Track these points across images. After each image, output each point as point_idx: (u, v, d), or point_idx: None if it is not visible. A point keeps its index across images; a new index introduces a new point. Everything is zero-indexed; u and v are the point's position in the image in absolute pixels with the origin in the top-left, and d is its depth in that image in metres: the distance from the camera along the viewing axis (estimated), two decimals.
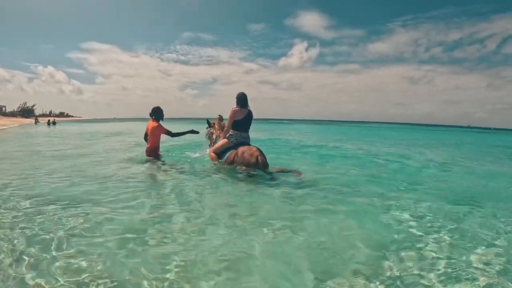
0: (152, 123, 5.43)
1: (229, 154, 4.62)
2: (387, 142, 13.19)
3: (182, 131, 5.69)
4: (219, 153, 4.83)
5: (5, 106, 68.73)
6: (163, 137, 5.55)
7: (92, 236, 2.17)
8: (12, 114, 63.49)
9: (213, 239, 2.18)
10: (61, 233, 2.21)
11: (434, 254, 2.04)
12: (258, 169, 4.20)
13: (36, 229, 2.28)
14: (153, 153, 5.53)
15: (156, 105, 5.51)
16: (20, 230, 2.24)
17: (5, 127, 25.80)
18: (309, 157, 7.05)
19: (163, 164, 5.17)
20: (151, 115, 5.50)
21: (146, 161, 5.39)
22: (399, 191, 3.80)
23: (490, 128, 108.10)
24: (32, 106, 72.90)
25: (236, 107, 4.70)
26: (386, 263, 1.91)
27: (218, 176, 4.24)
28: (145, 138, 5.66)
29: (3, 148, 8.38)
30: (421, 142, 14.38)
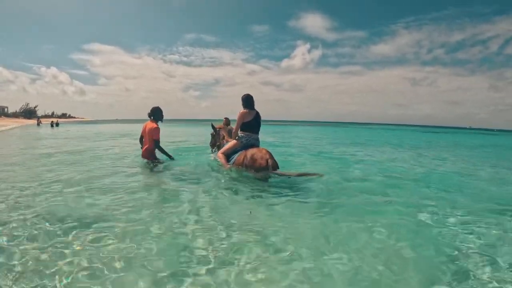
0: (150, 124, 5.11)
1: (238, 156, 4.53)
2: (404, 146, 12.52)
3: (166, 151, 5.32)
4: (228, 155, 4.76)
5: (7, 107, 69.07)
6: (161, 139, 5.21)
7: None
8: (14, 115, 63.73)
9: (247, 265, 1.88)
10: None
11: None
12: (268, 172, 4.07)
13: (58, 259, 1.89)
14: (151, 155, 5.17)
15: (155, 105, 5.22)
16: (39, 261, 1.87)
17: (4, 128, 25.68)
18: (333, 163, 6.52)
19: (169, 170, 4.83)
20: (149, 115, 5.21)
21: (149, 166, 4.99)
22: (445, 200, 3.47)
23: (493, 130, 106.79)
24: (35, 107, 73.19)
25: (244, 109, 4.66)
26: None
27: (234, 184, 3.96)
28: (141, 140, 5.33)
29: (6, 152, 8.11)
30: (439, 145, 13.96)
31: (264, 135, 17.39)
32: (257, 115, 4.72)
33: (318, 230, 2.44)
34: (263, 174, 4.09)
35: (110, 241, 2.14)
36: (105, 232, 2.29)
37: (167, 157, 5.36)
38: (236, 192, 3.59)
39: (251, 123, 4.65)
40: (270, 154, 4.24)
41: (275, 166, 4.15)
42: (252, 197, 3.41)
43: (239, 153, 4.57)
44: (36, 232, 2.27)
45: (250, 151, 4.34)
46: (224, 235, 2.31)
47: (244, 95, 4.73)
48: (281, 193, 3.51)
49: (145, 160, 5.21)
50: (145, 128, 5.17)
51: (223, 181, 4.16)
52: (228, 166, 4.60)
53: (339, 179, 4.44)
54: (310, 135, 19.66)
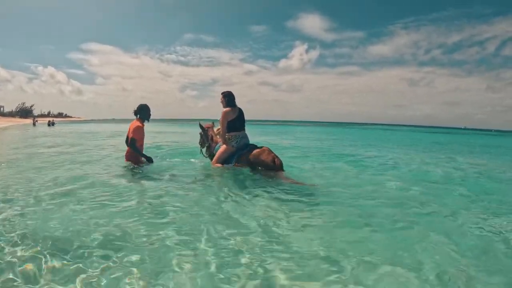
0: (135, 123, 4.60)
1: (237, 160, 4.38)
2: (419, 148, 12.02)
3: (143, 153, 4.77)
4: (223, 161, 4.51)
5: (3, 106, 68.54)
6: (146, 140, 4.75)
7: None
8: (11, 115, 63.28)
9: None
10: None
11: None
12: (277, 175, 3.96)
13: None
14: (134, 158, 4.68)
15: (143, 103, 4.75)
16: None
17: None
18: (358, 167, 5.95)
19: (161, 174, 4.33)
20: (135, 113, 4.67)
21: (135, 170, 4.47)
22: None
23: (491, 130, 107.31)
24: (31, 107, 72.78)
25: (227, 107, 4.44)
26: None
27: (240, 188, 3.61)
28: (127, 142, 4.78)
29: None
30: (451, 146, 13.67)
31: (272, 136, 16.90)
32: (240, 112, 4.55)
33: (374, 250, 2.04)
34: (271, 174, 3.98)
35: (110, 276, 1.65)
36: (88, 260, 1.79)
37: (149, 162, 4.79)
38: (249, 199, 3.18)
39: (236, 120, 4.46)
40: (274, 153, 4.18)
41: (281, 164, 4.08)
42: (273, 204, 2.99)
43: (235, 157, 4.41)
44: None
45: (253, 154, 4.20)
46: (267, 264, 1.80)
47: (227, 92, 4.53)
48: (310, 202, 3.10)
49: (131, 165, 4.67)
50: (130, 129, 4.67)
51: (225, 184, 3.78)
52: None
53: (372, 186, 4.04)
54: (317, 136, 18.55)
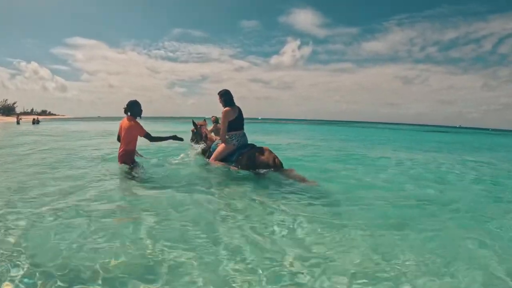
0: (127, 122, 4.35)
1: (237, 159, 4.40)
2: (428, 148, 12.07)
3: (163, 136, 4.58)
4: (222, 159, 4.55)
5: None
6: (140, 139, 4.46)
7: None
8: None
9: None
10: None
11: None
12: (274, 171, 4.08)
13: None
14: (128, 159, 4.43)
15: (132, 99, 4.46)
16: None
17: None
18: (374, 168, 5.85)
19: (158, 175, 4.24)
20: (126, 111, 4.40)
21: (131, 173, 4.23)
22: None
23: (488, 129, 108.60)
24: (13, 104, 70.80)
25: (227, 107, 4.43)
26: None
27: (246, 189, 3.60)
28: (119, 139, 4.57)
29: None
30: (460, 146, 13.89)
31: (272, 136, 16.20)
32: (240, 111, 4.54)
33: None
34: (274, 173, 4.06)
35: None
36: None
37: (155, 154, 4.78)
38: (262, 200, 3.14)
39: (237, 120, 4.44)
40: (274, 153, 4.23)
41: (281, 163, 4.15)
42: (295, 208, 2.91)
43: (235, 156, 4.40)
44: None
45: (254, 155, 4.23)
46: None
47: (224, 91, 4.49)
48: (334, 204, 3.11)
49: (125, 166, 4.39)
50: (121, 127, 4.42)
51: (230, 185, 3.77)
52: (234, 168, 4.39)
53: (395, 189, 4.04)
54: (318, 136, 17.85)
